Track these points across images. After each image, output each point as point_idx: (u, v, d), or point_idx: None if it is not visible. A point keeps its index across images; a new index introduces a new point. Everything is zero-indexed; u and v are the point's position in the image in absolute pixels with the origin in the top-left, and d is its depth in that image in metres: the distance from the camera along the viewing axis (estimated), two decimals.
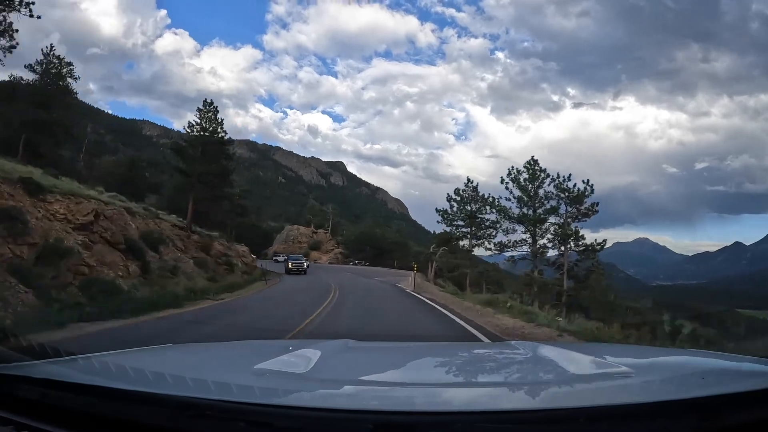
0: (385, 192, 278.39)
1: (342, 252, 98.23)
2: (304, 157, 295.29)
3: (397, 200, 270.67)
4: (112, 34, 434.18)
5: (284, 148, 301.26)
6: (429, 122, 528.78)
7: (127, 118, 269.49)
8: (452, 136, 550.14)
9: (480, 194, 42.76)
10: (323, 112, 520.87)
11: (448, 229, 45.49)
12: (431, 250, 53.00)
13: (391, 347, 3.14)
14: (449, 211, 43.62)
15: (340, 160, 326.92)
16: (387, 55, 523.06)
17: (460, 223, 44.07)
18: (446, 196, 44.03)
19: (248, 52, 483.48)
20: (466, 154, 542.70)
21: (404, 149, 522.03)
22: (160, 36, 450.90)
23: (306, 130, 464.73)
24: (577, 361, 2.05)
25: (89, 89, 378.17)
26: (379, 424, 1.19)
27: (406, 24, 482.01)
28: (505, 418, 1.25)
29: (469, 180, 42.52)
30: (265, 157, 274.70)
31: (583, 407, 1.32)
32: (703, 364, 2.01)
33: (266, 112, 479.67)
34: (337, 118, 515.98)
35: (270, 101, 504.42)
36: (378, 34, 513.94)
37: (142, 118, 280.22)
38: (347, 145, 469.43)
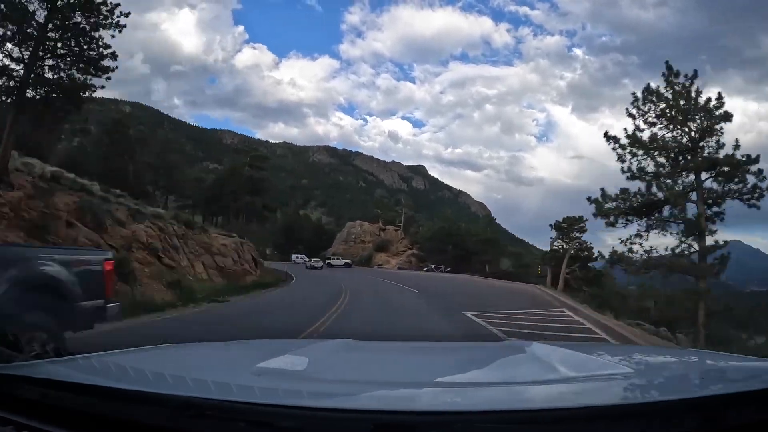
0: (468, 195, 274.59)
1: (416, 254, 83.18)
2: (384, 161, 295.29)
3: (480, 203, 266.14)
4: (193, 51, 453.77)
5: (364, 153, 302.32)
6: (509, 124, 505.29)
7: (209, 128, 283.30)
8: (533, 137, 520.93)
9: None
10: (403, 118, 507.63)
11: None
12: (556, 247, 43.65)
13: (391, 347, 3.19)
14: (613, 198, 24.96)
15: (421, 164, 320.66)
16: (463, 57, 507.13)
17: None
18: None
19: (326, 62, 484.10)
20: (548, 155, 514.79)
21: (485, 152, 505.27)
22: (240, 51, 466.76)
23: (386, 136, 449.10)
24: (577, 361, 2.06)
25: (174, 104, 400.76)
26: (380, 423, 1.19)
27: (480, 25, 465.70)
28: (505, 418, 1.25)
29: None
30: (346, 162, 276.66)
31: (583, 407, 1.32)
32: (703, 364, 2.04)
33: (346, 120, 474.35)
34: (417, 123, 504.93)
35: (350, 109, 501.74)
36: (453, 37, 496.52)
37: (222, 128, 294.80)
38: (428, 149, 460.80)
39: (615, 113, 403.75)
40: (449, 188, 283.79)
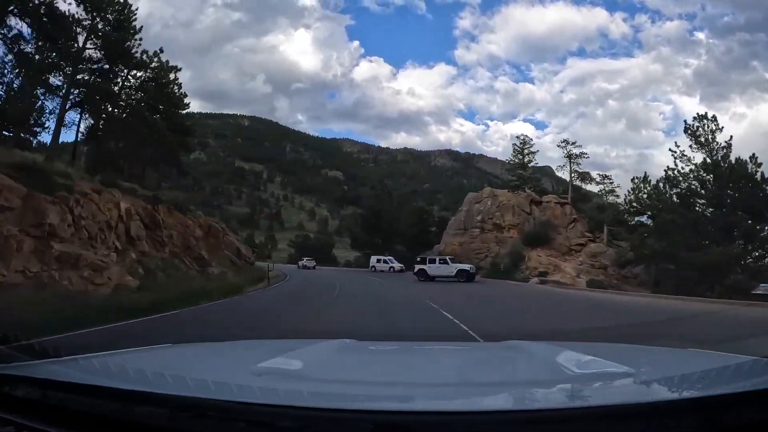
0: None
1: (605, 253, 44.46)
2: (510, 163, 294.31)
3: None
4: (312, 69, 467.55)
5: (488, 156, 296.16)
6: (634, 120, 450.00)
7: (328, 138, 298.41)
8: (661, 132, 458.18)
9: None
10: (524, 120, 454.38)
11: None
12: None
13: (390, 347, 3.18)
14: None
15: (548, 165, 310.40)
16: (581, 53, 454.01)
17: None
18: None
19: (442, 69, 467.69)
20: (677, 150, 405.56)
21: (612, 151, 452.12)
22: (357, 65, 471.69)
23: (508, 140, 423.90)
24: (576, 361, 2.08)
25: (298, 120, 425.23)
26: (379, 424, 1.19)
27: (594, 17, 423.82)
28: (505, 419, 1.24)
29: None
30: (468, 165, 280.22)
31: (582, 407, 1.34)
32: (704, 364, 2.01)
33: (467, 126, 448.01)
34: (539, 125, 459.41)
35: (470, 114, 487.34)
36: (568, 32, 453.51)
37: (342, 137, 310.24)
38: (552, 151, 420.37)
39: (746, 100, 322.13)
40: (578, 189, 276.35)
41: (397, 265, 54.15)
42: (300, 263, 67.76)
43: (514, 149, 66.19)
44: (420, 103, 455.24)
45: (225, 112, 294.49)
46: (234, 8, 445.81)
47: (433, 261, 40.82)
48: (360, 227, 74.83)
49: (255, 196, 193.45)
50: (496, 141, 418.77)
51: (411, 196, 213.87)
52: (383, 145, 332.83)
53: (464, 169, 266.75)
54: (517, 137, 70.60)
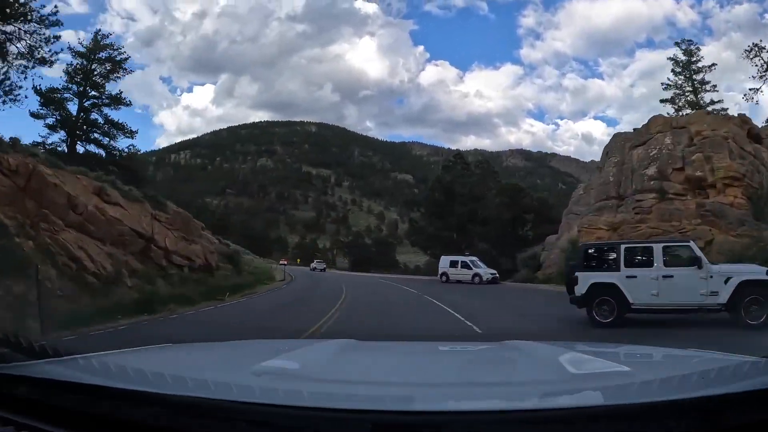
0: None
1: None
2: (584, 161, 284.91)
3: None
4: (379, 75, 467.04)
5: (561, 154, 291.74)
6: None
7: (397, 141, 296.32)
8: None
9: None
10: (595, 118, 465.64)
11: None
12: None
13: (391, 347, 3.19)
14: None
15: None
16: (649, 44, 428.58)
17: None
18: None
19: (509, 70, 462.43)
20: None
21: None
22: (423, 70, 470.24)
23: (580, 138, 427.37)
24: (576, 361, 2.12)
25: (367, 126, 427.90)
26: (378, 423, 1.20)
27: (660, 5, 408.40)
28: (504, 418, 1.25)
29: None
30: (541, 164, 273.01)
31: (582, 407, 1.33)
32: (704, 364, 2.00)
33: (537, 126, 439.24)
34: (611, 122, 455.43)
35: (539, 114, 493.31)
36: (634, 23, 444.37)
37: (411, 141, 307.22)
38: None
39: None
40: None
41: (485, 271, 36.31)
42: (311, 266, 64.95)
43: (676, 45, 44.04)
44: (489, 105, 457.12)
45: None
46: (298, 20, 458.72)
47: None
48: (424, 214, 55.25)
49: (321, 201, 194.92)
50: (567, 140, 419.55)
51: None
52: (452, 147, 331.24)
53: (537, 169, 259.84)
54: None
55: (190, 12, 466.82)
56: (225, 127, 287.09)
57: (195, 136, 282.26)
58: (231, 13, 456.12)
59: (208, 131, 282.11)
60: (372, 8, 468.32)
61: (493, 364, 2.41)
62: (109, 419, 1.29)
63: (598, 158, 43.83)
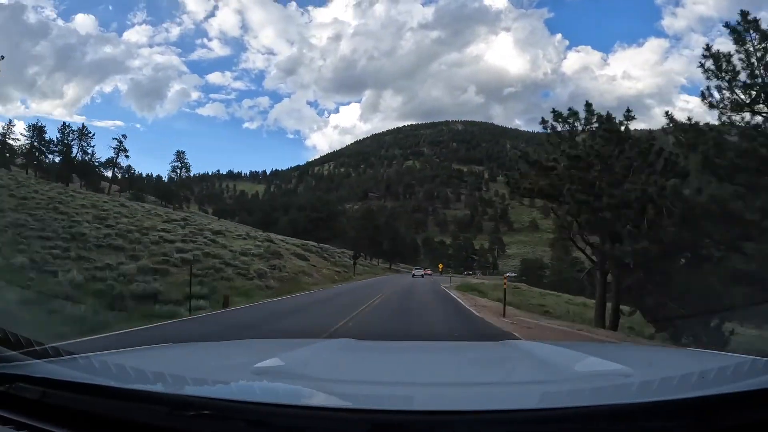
0: None
1: None
2: None
3: None
4: (521, 70, 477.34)
5: None
6: None
7: (539, 132, 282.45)
8: None
9: None
10: None
11: None
12: None
13: (390, 347, 3.19)
14: None
15: None
16: None
17: None
18: None
19: (653, 44, 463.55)
20: None
21: None
22: (564, 59, 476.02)
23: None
24: (575, 360, 2.04)
25: (516, 124, 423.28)
26: (378, 423, 1.18)
27: None
28: (503, 418, 1.23)
29: None
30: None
31: (582, 406, 1.30)
32: (703, 363, 1.97)
33: (693, 101, 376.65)
34: None
35: (693, 89, 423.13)
36: None
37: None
38: None
39: None
40: None
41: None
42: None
43: None
44: (638, 86, 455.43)
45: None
46: (430, 28, 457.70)
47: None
48: None
49: (476, 197, 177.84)
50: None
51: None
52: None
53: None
54: None
55: (325, 37, 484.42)
56: (368, 135, 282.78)
57: (340, 147, 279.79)
58: (364, 32, 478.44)
59: (353, 142, 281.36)
60: (502, 2, 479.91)
61: (493, 364, 2.38)
62: (110, 418, 1.28)
63: None
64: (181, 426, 1.23)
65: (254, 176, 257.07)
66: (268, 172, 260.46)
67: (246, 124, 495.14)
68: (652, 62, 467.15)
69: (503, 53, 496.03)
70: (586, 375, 1.83)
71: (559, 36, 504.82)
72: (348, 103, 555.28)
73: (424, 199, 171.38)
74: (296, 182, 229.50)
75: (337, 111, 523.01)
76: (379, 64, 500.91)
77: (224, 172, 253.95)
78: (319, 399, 1.44)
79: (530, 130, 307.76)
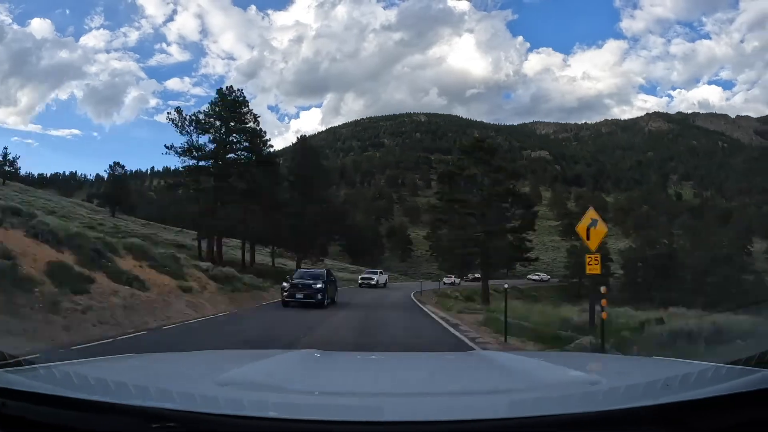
0: None
1: None
2: (732, 117, 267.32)
3: None
4: (483, 72, 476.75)
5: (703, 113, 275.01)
6: None
7: (516, 123, 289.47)
8: None
9: None
10: (708, 83, 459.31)
11: None
12: None
13: (356, 358, 3.19)
14: None
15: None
16: None
17: None
18: None
19: (612, 46, 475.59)
20: None
21: None
22: (526, 60, 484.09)
23: (697, 107, 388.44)
24: (544, 370, 2.11)
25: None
26: None
27: None
28: (474, 428, 1.24)
29: None
30: (685, 125, 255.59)
31: (551, 415, 1.29)
32: (669, 371, 2.00)
33: (651, 101, 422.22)
34: (726, 85, 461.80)
35: (651, 89, 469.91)
36: None
37: (533, 121, 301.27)
38: (749, 111, 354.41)
39: None
40: None
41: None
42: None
43: None
44: (598, 86, 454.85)
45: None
46: (393, 29, 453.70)
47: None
48: None
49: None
50: (685, 111, 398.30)
51: (636, 171, 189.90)
52: (579, 122, 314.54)
53: (685, 131, 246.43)
54: None
55: (287, 39, 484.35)
56: (324, 129, 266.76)
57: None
58: (326, 33, 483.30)
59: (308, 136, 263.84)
60: (465, 4, 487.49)
61: (461, 374, 2.38)
62: (71, 430, 1.26)
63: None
64: None
65: None
66: None
67: None
68: (611, 63, 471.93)
69: (466, 55, 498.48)
70: (555, 383, 1.82)
71: (520, 38, 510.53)
72: (309, 108, 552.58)
73: (388, 186, 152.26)
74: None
75: (297, 116, 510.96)
76: (341, 66, 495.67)
77: None
78: (286, 411, 1.39)
79: (494, 122, 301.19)
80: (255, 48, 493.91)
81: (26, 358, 1.82)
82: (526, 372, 2.10)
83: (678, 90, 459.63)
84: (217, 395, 1.51)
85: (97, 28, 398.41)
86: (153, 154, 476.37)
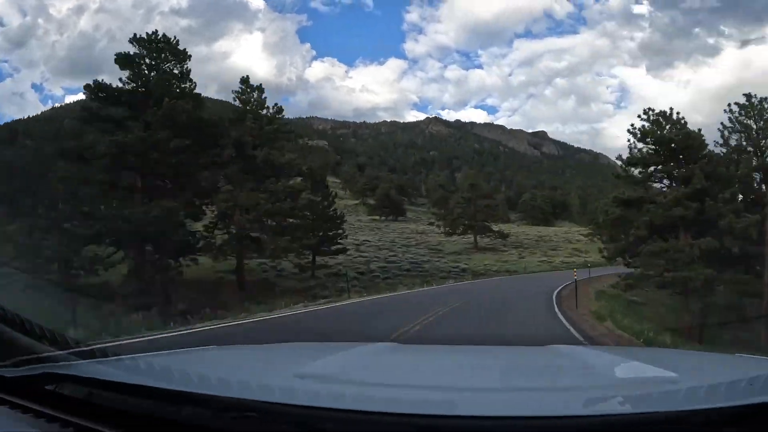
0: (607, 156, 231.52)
1: None
2: (510, 128, 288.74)
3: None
4: (266, 74, 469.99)
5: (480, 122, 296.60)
6: (583, 96, 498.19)
7: (293, 117, 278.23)
8: (611, 105, 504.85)
9: None
10: (476, 107, 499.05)
11: None
12: None
13: (434, 350, 3.24)
14: None
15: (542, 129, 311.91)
16: (527, 34, 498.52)
17: None
18: None
19: (394, 64, 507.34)
20: (627, 122, 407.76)
21: (564, 128, 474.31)
22: (309, 66, 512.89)
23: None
24: (621, 366, 2.13)
25: None
26: (420, 428, 1.19)
27: None
28: (547, 424, 1.23)
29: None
30: (464, 131, 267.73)
31: (627, 413, 1.31)
32: (753, 370, 1.94)
33: (421, 117, 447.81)
34: (491, 110, 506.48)
35: (423, 106, 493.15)
36: (514, 15, 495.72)
37: (310, 116, 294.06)
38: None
39: (691, 65, 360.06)
40: (587, 151, 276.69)
41: None
42: None
43: None
44: (376, 99, 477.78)
45: None
46: (182, 14, 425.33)
47: None
48: None
49: None
50: None
51: (426, 165, 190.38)
52: (358, 120, 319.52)
53: (466, 135, 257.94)
54: None
55: (65, 8, 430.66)
56: None
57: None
58: (110, 9, 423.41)
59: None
60: (258, 3, 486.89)
61: (537, 369, 2.35)
62: (153, 419, 1.30)
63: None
64: (224, 427, 1.24)
65: None
66: None
67: None
68: (391, 79, 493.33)
69: (250, 56, 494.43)
70: (632, 380, 1.85)
71: (308, 45, 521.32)
72: (76, 92, 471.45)
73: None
74: None
75: (62, 100, 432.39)
76: (120, 47, 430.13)
77: None
78: (363, 403, 1.36)
79: None
80: (28, 14, 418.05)
81: (109, 347, 1.87)
82: (603, 368, 2.08)
83: (447, 110, 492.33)
84: (294, 387, 1.54)
85: None
86: None
